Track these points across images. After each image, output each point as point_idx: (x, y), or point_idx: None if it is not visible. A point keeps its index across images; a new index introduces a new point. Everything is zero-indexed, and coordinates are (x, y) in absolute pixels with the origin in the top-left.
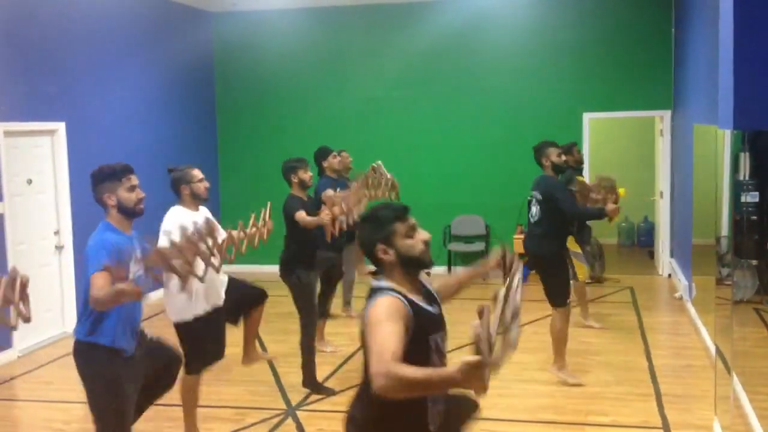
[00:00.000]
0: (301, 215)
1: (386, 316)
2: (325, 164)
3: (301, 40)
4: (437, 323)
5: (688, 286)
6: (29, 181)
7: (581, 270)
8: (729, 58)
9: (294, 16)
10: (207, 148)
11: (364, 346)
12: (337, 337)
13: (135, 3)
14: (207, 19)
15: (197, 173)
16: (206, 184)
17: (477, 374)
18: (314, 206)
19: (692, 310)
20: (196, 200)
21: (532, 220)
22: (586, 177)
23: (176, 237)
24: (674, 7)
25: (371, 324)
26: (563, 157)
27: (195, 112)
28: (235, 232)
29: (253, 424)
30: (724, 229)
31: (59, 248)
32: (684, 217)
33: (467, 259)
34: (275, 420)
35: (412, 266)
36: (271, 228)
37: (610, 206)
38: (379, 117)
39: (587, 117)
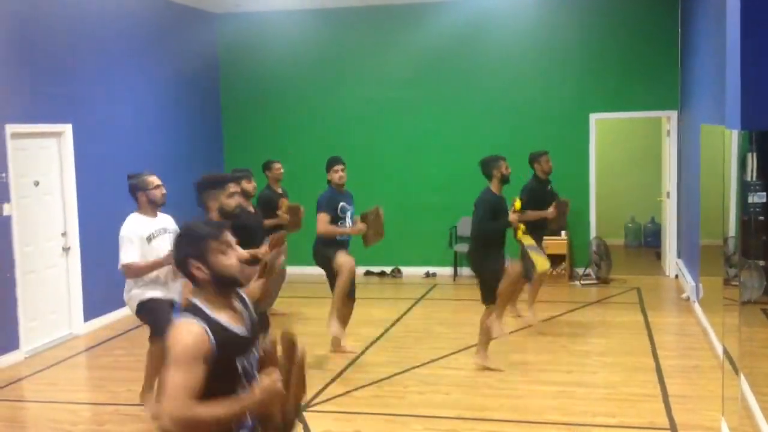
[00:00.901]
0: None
1: (183, 352)
2: (328, 176)
3: (305, 41)
4: (244, 345)
5: (695, 287)
6: (36, 183)
7: (540, 261)
8: (736, 57)
9: (298, 17)
10: (212, 149)
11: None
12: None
13: (139, 5)
14: (211, 20)
15: (153, 180)
16: (163, 190)
17: (277, 398)
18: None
19: (699, 311)
20: (152, 206)
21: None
22: (591, 177)
23: (134, 243)
24: (680, 6)
25: (170, 354)
26: (509, 170)
27: (200, 113)
28: None
29: None
30: (732, 230)
31: (66, 250)
32: (691, 217)
33: None
34: None
35: (225, 285)
36: None
37: (511, 216)
38: (384, 118)
39: (594, 118)
